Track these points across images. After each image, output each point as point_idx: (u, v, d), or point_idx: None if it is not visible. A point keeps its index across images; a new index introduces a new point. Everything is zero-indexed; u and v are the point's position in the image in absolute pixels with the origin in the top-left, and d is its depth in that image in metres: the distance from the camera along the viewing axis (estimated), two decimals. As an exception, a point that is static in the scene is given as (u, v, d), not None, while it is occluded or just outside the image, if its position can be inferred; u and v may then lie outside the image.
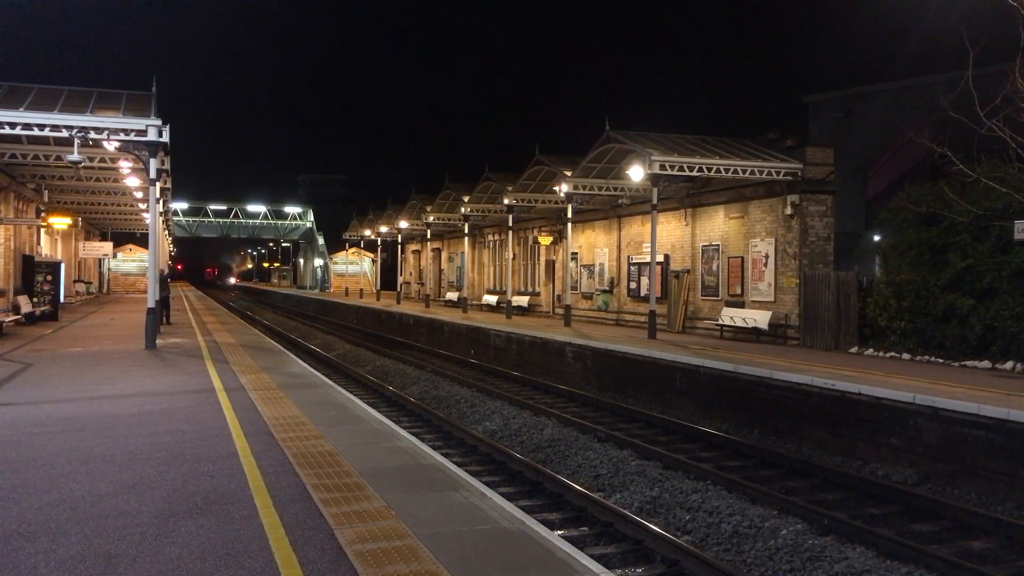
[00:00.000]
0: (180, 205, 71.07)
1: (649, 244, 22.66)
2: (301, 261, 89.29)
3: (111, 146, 18.51)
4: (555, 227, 32.67)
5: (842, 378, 13.37)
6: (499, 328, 25.19)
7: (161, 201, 25.04)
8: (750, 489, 10.15)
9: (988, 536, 8.94)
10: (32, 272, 27.55)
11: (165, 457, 7.96)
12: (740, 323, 21.90)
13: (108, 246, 48.15)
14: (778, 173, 21.24)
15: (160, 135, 17.87)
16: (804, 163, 21.22)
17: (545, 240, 33.15)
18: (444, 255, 49.18)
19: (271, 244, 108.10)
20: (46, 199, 31.01)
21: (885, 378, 13.64)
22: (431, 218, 41.04)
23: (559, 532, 8.05)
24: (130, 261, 65.48)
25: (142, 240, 58.56)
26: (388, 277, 68.18)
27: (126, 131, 17.78)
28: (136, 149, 18.52)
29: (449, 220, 41.05)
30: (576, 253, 31.14)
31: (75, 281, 43.77)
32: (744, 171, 21.19)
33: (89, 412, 10.32)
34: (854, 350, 18.73)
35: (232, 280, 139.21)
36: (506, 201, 30.35)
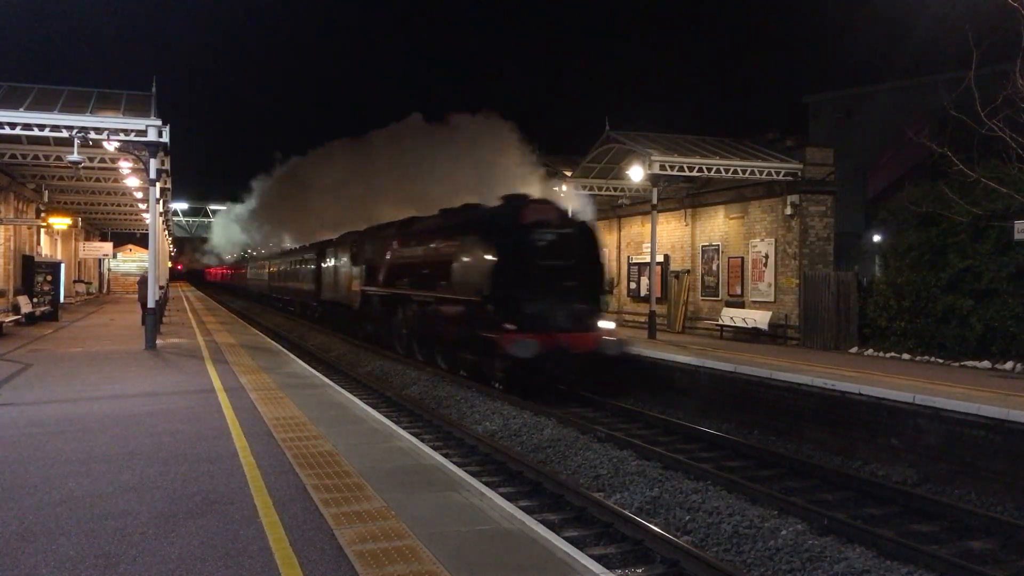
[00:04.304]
0: (180, 205, 71.01)
1: (649, 244, 22.65)
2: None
3: (111, 146, 18.52)
4: (555, 227, 32.58)
5: (842, 378, 13.38)
6: (499, 328, 25.11)
7: (161, 201, 25.03)
8: (750, 489, 10.14)
9: (988, 536, 8.94)
10: (32, 272, 27.54)
11: (165, 457, 7.96)
12: (740, 323, 21.90)
13: (108, 246, 48.17)
14: (778, 173, 21.25)
15: (160, 135, 17.87)
16: (804, 163, 21.23)
17: (545, 240, 33.05)
18: (444, 255, 49.00)
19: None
20: (46, 199, 30.99)
21: (885, 378, 13.64)
22: (431, 218, 40.91)
23: (559, 532, 8.04)
24: (130, 261, 65.42)
25: (142, 240, 58.44)
26: (388, 277, 67.90)
27: (126, 131, 17.77)
28: (136, 149, 18.52)
29: (449, 220, 40.91)
30: (576, 253, 31.02)
31: (75, 281, 43.72)
32: (744, 171, 21.20)
33: (89, 412, 10.32)
34: (854, 350, 18.73)
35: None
36: (506, 201, 30.29)
